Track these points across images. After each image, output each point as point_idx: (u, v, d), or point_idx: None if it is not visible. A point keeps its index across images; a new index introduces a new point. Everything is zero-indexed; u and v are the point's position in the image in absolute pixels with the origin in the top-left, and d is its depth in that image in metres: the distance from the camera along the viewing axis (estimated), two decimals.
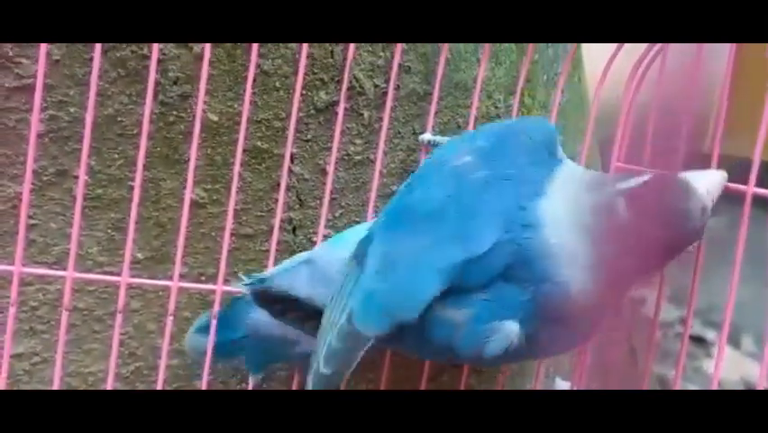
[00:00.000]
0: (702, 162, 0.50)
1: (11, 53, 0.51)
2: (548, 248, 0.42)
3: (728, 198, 0.48)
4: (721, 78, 0.51)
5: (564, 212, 0.43)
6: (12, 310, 0.53)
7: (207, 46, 0.52)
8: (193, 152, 0.53)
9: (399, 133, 0.60)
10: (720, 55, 0.51)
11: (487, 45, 0.58)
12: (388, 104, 0.57)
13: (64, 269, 0.54)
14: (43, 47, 0.50)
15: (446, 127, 0.61)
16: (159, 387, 0.56)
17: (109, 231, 0.56)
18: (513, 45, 0.63)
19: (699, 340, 1.48)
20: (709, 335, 1.49)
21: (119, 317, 0.54)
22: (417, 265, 0.44)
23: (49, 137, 0.53)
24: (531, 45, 0.58)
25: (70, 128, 0.53)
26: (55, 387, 0.54)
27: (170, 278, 0.55)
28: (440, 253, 0.44)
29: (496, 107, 0.62)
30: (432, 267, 0.43)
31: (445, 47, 0.57)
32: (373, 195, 0.58)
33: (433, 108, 0.58)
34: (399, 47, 0.56)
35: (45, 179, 0.54)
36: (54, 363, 0.54)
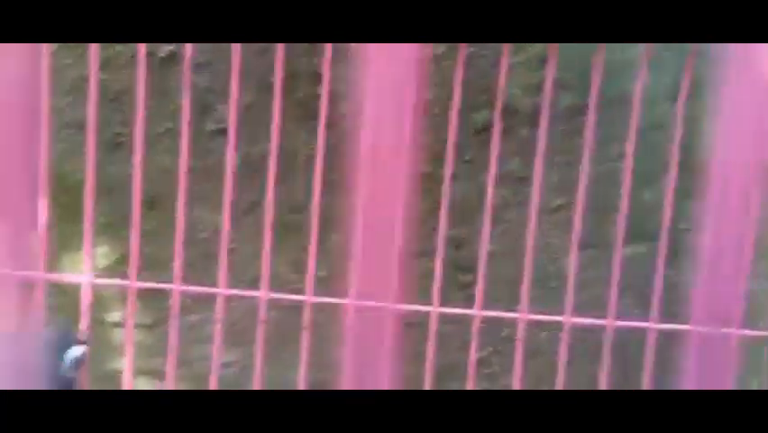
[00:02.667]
0: None
1: (210, 101, 0.60)
2: None
3: None
4: None
5: None
6: (218, 326, 0.61)
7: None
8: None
9: (559, 148, 0.61)
10: None
11: (645, 53, 0.58)
12: (544, 121, 0.58)
13: (259, 289, 0.61)
14: (234, 96, 0.58)
15: (608, 139, 0.61)
16: None
17: (296, 253, 0.62)
18: (678, 47, 0.62)
19: None
20: None
21: (306, 333, 0.60)
22: None
23: (242, 172, 0.61)
24: (694, 47, 0.57)
25: (259, 163, 0.61)
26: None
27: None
28: None
29: (660, 116, 0.61)
30: None
31: (600, 60, 0.58)
32: (534, 210, 0.59)
33: (591, 122, 0.59)
34: (553, 64, 0.58)
35: (241, 208, 0.62)
36: (254, 371, 0.61)
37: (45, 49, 0.53)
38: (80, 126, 0.62)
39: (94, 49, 0.54)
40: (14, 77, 0.26)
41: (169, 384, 0.61)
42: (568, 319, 0.58)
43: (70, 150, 0.62)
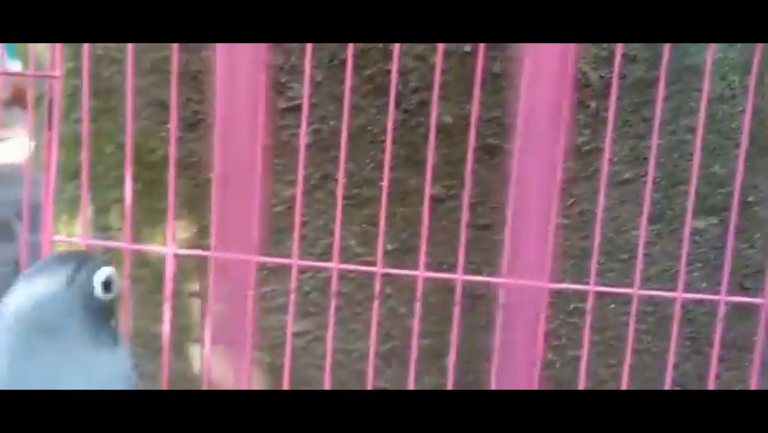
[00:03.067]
0: None
1: (283, 80, 0.62)
2: None
3: None
4: None
5: None
6: (291, 297, 0.63)
7: (440, 56, 0.58)
8: (430, 153, 0.59)
9: (628, 121, 0.61)
10: None
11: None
12: (614, 93, 0.58)
13: (330, 260, 0.63)
14: (308, 73, 0.59)
15: (678, 112, 0.60)
16: (411, 365, 0.62)
17: (364, 226, 0.64)
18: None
19: None
20: None
21: (376, 303, 0.62)
22: None
23: (314, 147, 0.63)
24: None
25: (330, 139, 0.63)
26: (327, 362, 0.63)
27: (417, 267, 0.61)
28: None
29: (731, 88, 0.60)
30: None
31: None
32: (603, 183, 0.60)
33: (660, 94, 0.58)
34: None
35: (312, 183, 0.64)
36: (325, 341, 0.63)
37: None
38: (162, 105, 0.65)
39: None
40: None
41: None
42: (636, 292, 0.58)
43: (152, 127, 0.65)
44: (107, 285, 0.44)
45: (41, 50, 0.65)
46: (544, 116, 0.20)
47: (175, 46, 0.57)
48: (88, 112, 0.56)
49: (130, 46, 0.57)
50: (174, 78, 0.57)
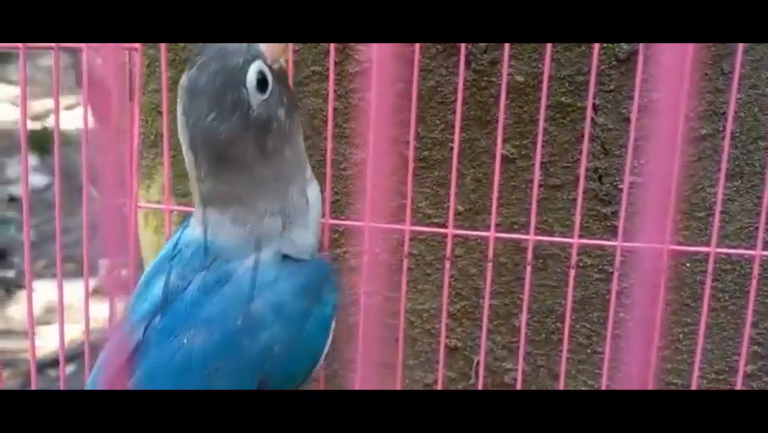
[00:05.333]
0: None
1: (352, 44, 0.62)
2: None
3: None
4: None
5: None
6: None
7: None
8: (501, 112, 0.59)
9: (706, 74, 0.59)
10: None
11: None
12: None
13: (402, 222, 0.64)
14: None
15: (759, 64, 0.58)
16: (483, 324, 0.63)
17: (435, 187, 0.65)
18: None
19: None
20: None
21: (447, 264, 0.63)
22: None
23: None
24: None
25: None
26: (401, 322, 0.65)
27: (488, 228, 0.62)
28: None
29: None
30: None
31: None
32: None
33: (740, 45, 0.57)
34: None
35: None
36: (399, 301, 0.65)
37: None
38: None
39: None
40: None
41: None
42: (714, 250, 0.58)
43: None
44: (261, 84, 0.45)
45: None
46: (669, 82, 0.20)
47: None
48: (167, 82, 0.58)
49: None
50: None
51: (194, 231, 0.49)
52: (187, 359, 0.45)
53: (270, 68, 0.46)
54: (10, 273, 1.87)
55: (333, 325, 0.52)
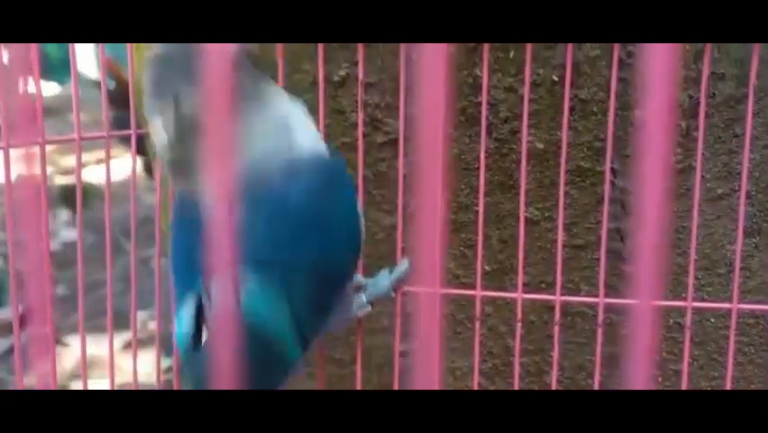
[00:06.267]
0: None
1: (379, 117, 0.66)
2: None
3: None
4: None
5: None
6: (398, 320, 0.67)
7: (527, 87, 0.60)
8: (523, 177, 0.62)
9: (720, 137, 0.62)
10: None
11: None
12: (702, 112, 0.59)
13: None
14: (402, 110, 0.63)
15: None
16: (515, 382, 0.65)
17: (462, 249, 0.67)
18: None
19: None
20: None
21: (477, 324, 0.65)
22: None
23: (410, 177, 0.67)
24: None
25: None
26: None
27: (515, 287, 0.64)
28: None
29: None
30: None
31: (756, 49, 0.58)
32: (696, 199, 0.61)
33: (750, 110, 0.59)
34: (708, 56, 0.59)
35: (408, 210, 0.67)
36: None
37: None
38: None
39: (280, 77, 0.61)
40: None
41: (356, 370, 0.68)
42: (736, 306, 0.59)
43: None
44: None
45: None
46: (657, 130, 0.21)
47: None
48: None
49: None
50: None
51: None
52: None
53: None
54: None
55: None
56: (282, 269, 0.48)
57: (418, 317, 0.23)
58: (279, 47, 0.60)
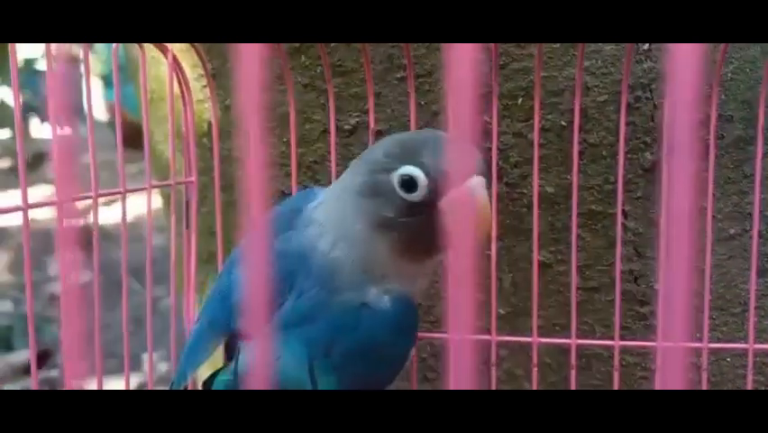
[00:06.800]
0: None
1: None
2: None
3: None
4: None
5: None
6: (414, 365, 0.67)
7: (536, 132, 0.61)
8: (536, 221, 0.62)
9: (730, 178, 0.62)
10: None
11: None
12: (711, 153, 0.60)
13: (443, 329, 0.66)
14: None
15: None
16: None
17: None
18: None
19: None
20: None
21: (493, 369, 0.65)
22: None
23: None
24: None
25: None
26: None
27: (529, 330, 0.64)
28: None
29: None
30: None
31: (764, 92, 0.59)
32: (709, 240, 0.61)
33: (760, 151, 0.60)
34: (715, 98, 0.59)
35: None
36: None
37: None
38: (282, 195, 0.71)
39: (293, 130, 0.62)
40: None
41: None
42: (752, 346, 0.59)
43: None
44: None
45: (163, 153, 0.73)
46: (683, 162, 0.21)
47: (294, 141, 0.63)
48: (219, 205, 0.62)
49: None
50: (294, 170, 0.63)
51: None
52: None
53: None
54: (54, 373, 1.90)
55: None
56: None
57: (453, 365, 0.23)
58: (291, 100, 0.61)
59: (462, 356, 0.25)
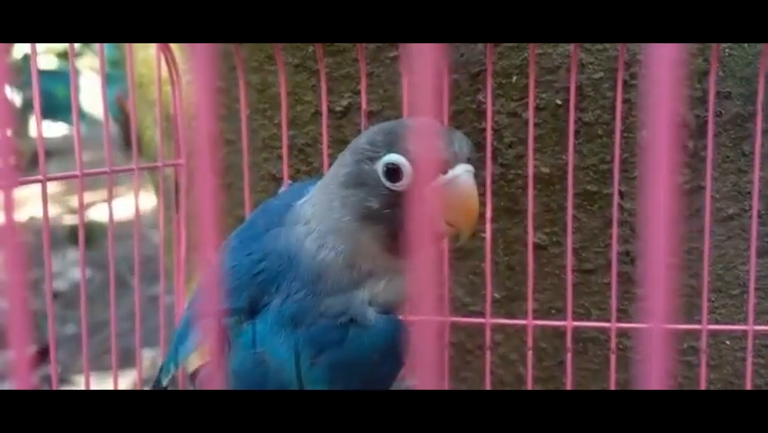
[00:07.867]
0: None
1: None
2: None
3: None
4: None
5: None
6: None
7: (531, 111, 0.60)
8: (530, 202, 0.61)
9: (728, 157, 0.61)
10: None
11: None
12: (710, 131, 0.59)
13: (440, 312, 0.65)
14: None
15: None
16: None
17: (470, 276, 0.66)
18: None
19: None
20: None
21: (488, 353, 0.64)
22: None
23: None
24: None
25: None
26: None
27: (525, 314, 0.63)
28: None
29: None
30: None
31: (763, 68, 0.57)
32: (707, 219, 0.60)
33: (759, 128, 0.58)
34: (713, 75, 0.58)
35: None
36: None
37: (243, 114, 0.61)
38: (274, 178, 0.70)
39: (284, 111, 0.61)
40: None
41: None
42: (752, 328, 0.58)
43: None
44: None
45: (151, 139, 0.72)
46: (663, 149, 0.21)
47: (285, 124, 0.62)
48: None
49: (243, 128, 0.62)
50: (285, 153, 0.62)
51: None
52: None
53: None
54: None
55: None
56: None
57: (419, 347, 0.23)
58: (283, 81, 0.60)
59: (425, 337, 0.24)
